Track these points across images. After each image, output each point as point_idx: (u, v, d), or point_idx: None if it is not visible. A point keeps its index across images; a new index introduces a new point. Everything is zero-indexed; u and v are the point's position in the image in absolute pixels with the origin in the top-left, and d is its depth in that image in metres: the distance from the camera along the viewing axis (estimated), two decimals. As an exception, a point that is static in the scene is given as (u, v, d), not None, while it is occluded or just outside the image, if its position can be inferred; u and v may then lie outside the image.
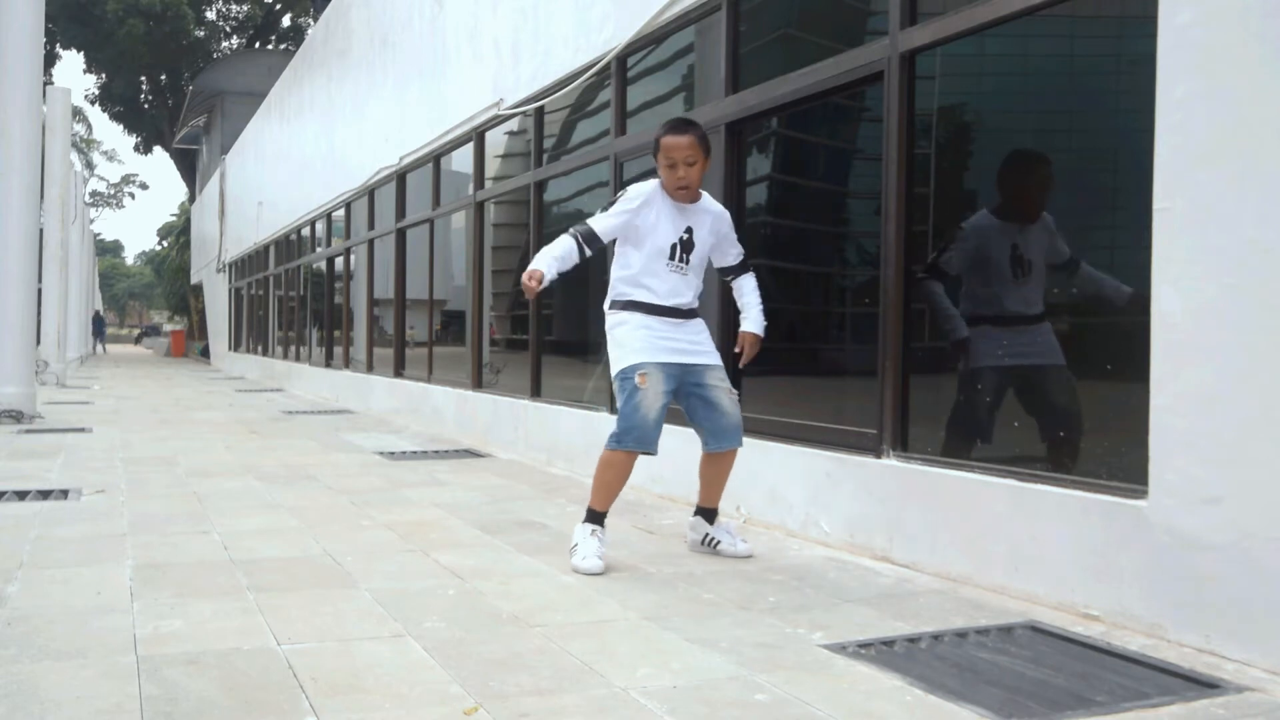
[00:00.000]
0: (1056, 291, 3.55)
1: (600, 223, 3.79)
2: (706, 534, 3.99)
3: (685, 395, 3.86)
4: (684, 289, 3.84)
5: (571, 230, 3.78)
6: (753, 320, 4.02)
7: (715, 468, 3.95)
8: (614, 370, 3.81)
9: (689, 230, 3.83)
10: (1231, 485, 2.72)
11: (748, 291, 4.07)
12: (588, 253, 3.78)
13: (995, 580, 3.41)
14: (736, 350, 4.01)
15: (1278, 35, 2.63)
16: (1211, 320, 2.76)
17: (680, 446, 4.62)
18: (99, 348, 41.68)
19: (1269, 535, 2.63)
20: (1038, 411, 3.63)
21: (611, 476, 3.78)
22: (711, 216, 3.91)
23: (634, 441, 3.71)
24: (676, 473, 4.96)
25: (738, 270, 4.07)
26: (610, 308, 3.87)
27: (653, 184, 3.84)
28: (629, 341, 3.78)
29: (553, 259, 3.70)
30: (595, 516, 3.81)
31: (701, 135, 3.79)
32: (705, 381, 3.83)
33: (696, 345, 3.85)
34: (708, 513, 4.01)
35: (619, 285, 3.85)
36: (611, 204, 3.83)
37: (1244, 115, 2.70)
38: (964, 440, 3.77)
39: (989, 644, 2.84)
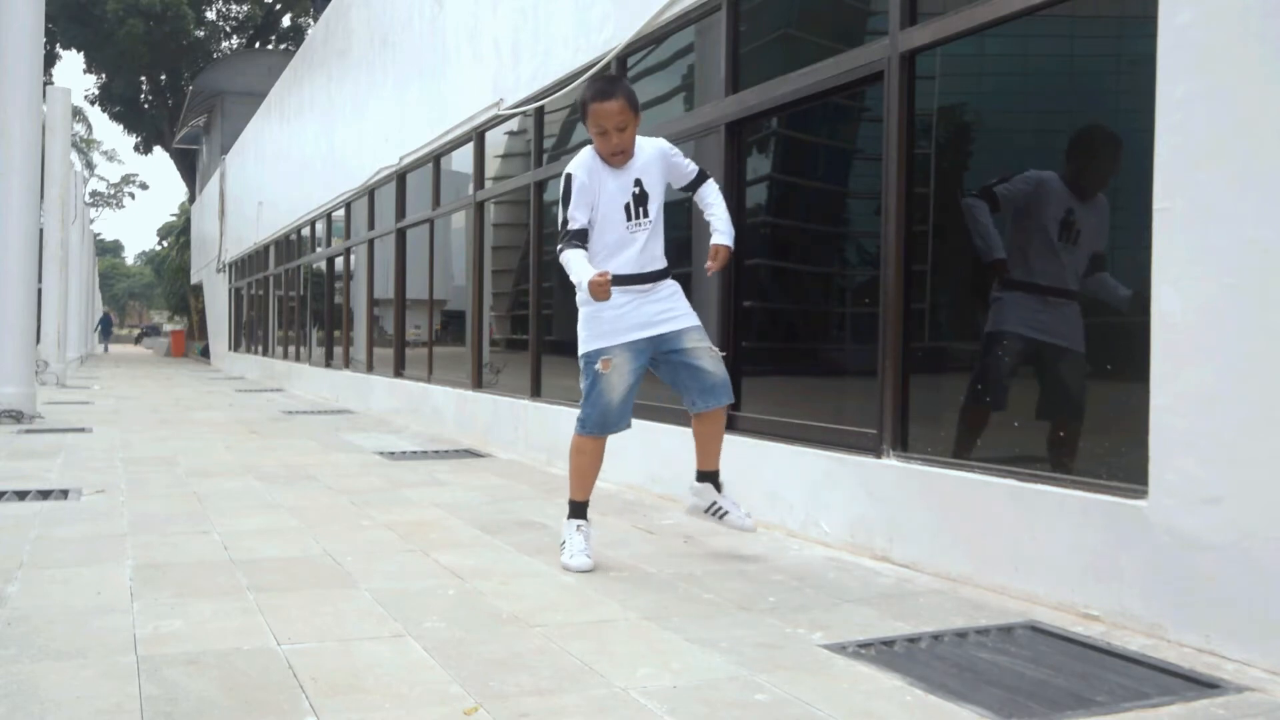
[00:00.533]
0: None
1: (577, 219, 3.63)
2: (714, 502, 3.87)
3: (663, 364, 3.75)
4: (650, 246, 3.69)
5: (566, 244, 3.62)
6: (722, 233, 3.75)
7: (708, 426, 3.85)
8: (580, 350, 3.74)
9: (637, 182, 3.68)
10: (1231, 485, 2.72)
11: (711, 201, 3.83)
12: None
13: (995, 580, 3.41)
14: (708, 265, 3.76)
15: (1278, 35, 2.63)
16: (1211, 320, 2.76)
17: (679, 446, 4.62)
18: (103, 347, 42.16)
19: (1269, 535, 2.63)
20: (1046, 390, 3.61)
21: (583, 462, 3.75)
22: (651, 156, 3.74)
23: (595, 427, 3.70)
24: (676, 473, 4.95)
25: (697, 183, 3.85)
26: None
27: (587, 152, 3.71)
28: (594, 325, 3.68)
29: (587, 266, 3.56)
30: (577, 509, 3.78)
31: (629, 95, 3.61)
32: (683, 345, 3.70)
33: (667, 313, 3.70)
34: (712, 476, 3.88)
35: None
36: (566, 195, 3.66)
37: (1244, 115, 2.70)
38: (977, 400, 3.74)
39: (989, 644, 2.84)
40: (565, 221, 3.66)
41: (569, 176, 3.66)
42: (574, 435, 3.77)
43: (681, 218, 5.32)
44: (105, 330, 45.32)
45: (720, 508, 3.88)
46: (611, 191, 3.66)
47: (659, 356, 3.74)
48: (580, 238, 3.63)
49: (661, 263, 3.75)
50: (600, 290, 3.44)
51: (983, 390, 3.79)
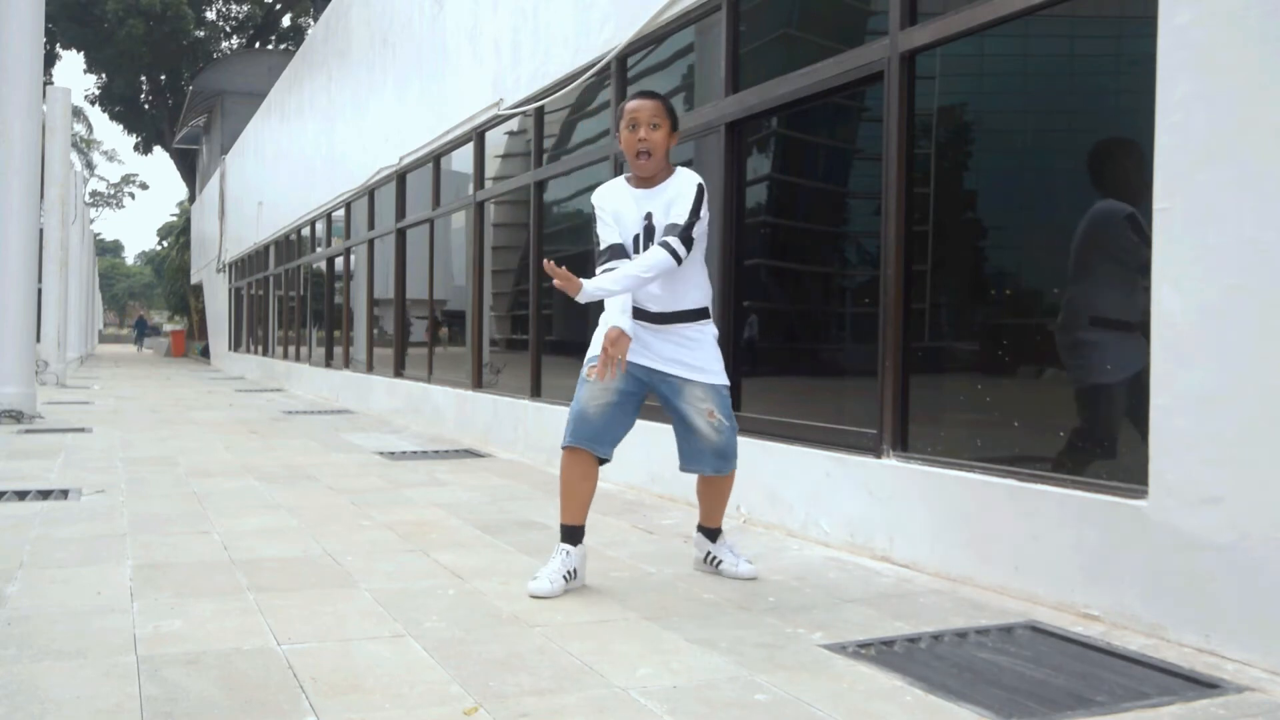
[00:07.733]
0: (1056, 292, 3.55)
1: (606, 236, 3.48)
2: (709, 552, 3.72)
3: (665, 404, 3.59)
4: (659, 288, 3.45)
5: (605, 266, 3.41)
6: (596, 280, 3.36)
7: (708, 489, 3.68)
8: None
9: (648, 216, 3.46)
10: (1231, 485, 2.72)
11: (640, 254, 3.45)
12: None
13: (995, 580, 3.41)
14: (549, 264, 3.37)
15: (1278, 35, 2.63)
16: (1211, 320, 2.76)
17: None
18: (138, 348, 45.88)
19: (1269, 535, 2.63)
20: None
21: (564, 476, 3.51)
22: (675, 192, 3.45)
23: (570, 435, 3.46)
24: (676, 473, 4.95)
25: (664, 234, 3.42)
26: None
27: (616, 179, 3.61)
28: (596, 334, 3.52)
29: (620, 311, 3.37)
30: (565, 532, 3.49)
31: (669, 106, 3.49)
32: (681, 398, 3.50)
33: (678, 357, 3.48)
34: (709, 531, 3.73)
35: None
36: (597, 223, 3.54)
37: (1244, 115, 2.70)
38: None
39: (989, 644, 2.84)
40: (598, 243, 3.51)
41: (597, 202, 3.55)
42: None
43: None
44: (141, 332, 48.50)
45: (715, 557, 3.70)
46: (628, 220, 3.49)
47: (662, 398, 3.57)
48: (616, 253, 3.44)
49: (680, 304, 3.50)
50: (616, 348, 3.32)
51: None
